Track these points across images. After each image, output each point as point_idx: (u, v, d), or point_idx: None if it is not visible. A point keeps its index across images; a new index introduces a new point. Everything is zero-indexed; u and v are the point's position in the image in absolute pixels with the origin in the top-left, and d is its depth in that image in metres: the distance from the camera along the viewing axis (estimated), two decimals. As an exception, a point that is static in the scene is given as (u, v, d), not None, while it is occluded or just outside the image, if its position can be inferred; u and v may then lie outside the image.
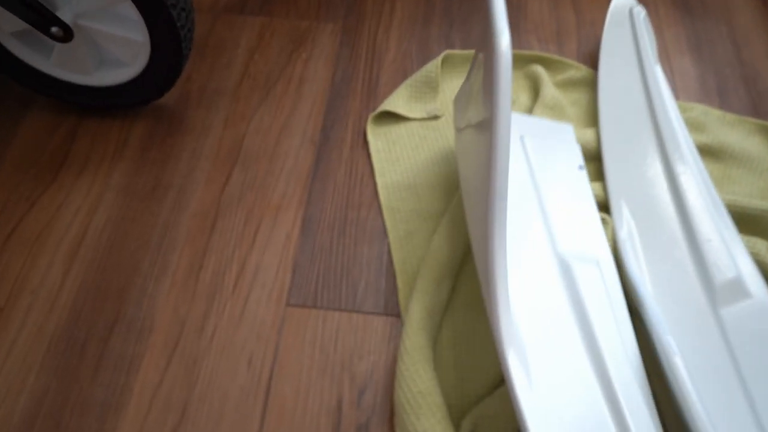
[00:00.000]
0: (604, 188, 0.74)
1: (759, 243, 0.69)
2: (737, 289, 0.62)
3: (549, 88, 0.84)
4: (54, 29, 0.68)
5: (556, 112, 0.83)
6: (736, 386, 0.58)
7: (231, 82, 0.86)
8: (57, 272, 0.68)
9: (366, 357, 0.64)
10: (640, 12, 0.86)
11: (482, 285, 0.56)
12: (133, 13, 0.68)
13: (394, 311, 0.67)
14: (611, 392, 0.52)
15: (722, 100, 0.87)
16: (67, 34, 0.69)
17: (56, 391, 0.61)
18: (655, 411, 0.54)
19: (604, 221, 0.70)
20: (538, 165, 0.71)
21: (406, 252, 0.71)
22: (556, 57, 0.89)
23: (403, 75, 0.88)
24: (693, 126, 0.81)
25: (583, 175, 0.72)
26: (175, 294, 0.67)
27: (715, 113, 0.84)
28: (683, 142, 0.75)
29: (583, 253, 0.64)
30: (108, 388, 0.61)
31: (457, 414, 0.60)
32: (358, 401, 0.61)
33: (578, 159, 0.74)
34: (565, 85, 0.87)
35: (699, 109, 0.84)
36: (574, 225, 0.67)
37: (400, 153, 0.79)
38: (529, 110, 0.82)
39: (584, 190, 0.71)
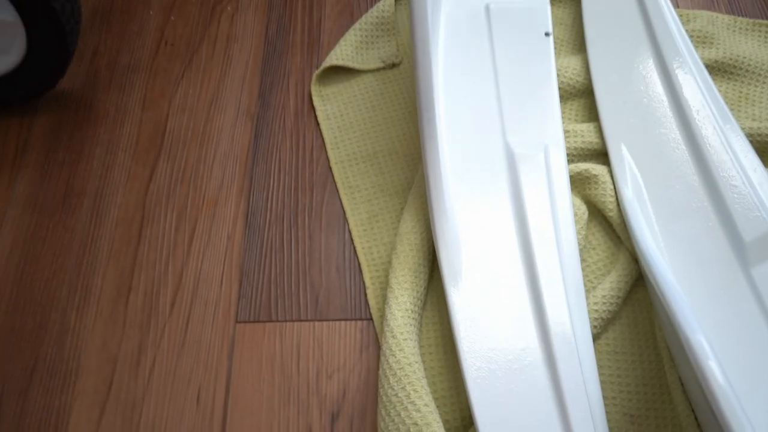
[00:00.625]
0: (600, 131, 0.62)
1: (789, 177, 0.57)
2: (771, 243, 0.51)
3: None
4: None
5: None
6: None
7: (145, 53, 0.72)
8: (-41, 316, 0.57)
9: (336, 374, 0.54)
10: None
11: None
12: (-10, -12, 0.54)
13: (364, 314, 0.56)
14: (536, 289, 0.51)
15: (732, 5, 0.72)
16: None
17: (-28, 463, 0.51)
18: (582, 305, 0.52)
19: (598, 177, 0.58)
20: (500, 36, 0.63)
21: (370, 239, 0.59)
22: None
23: (350, 18, 0.73)
24: (699, 39, 0.68)
25: (548, 43, 0.64)
26: (102, 326, 0.56)
27: (725, 20, 0.70)
28: (690, 61, 0.62)
29: (531, 140, 0.58)
30: (33, 452, 0.52)
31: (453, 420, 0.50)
32: (331, 428, 0.52)
33: (546, 24, 0.65)
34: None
35: (705, 17, 0.70)
36: (528, 107, 0.60)
37: (355, 117, 0.66)
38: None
39: (546, 61, 0.63)
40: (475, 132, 0.59)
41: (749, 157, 0.56)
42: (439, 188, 0.54)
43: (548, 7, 0.66)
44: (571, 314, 0.51)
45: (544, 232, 0.53)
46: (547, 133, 0.58)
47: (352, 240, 0.60)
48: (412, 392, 0.47)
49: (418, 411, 0.47)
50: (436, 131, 0.55)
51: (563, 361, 0.48)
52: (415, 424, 0.46)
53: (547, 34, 0.64)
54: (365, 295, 0.57)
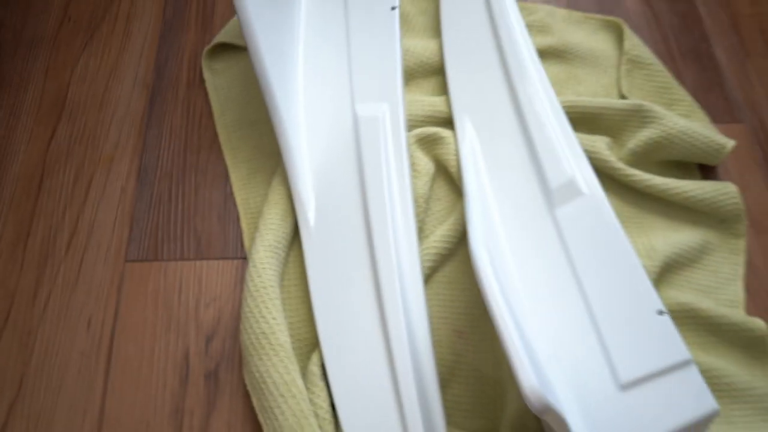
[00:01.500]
0: (448, 103, 0.73)
1: (597, 141, 0.70)
2: (571, 189, 0.63)
3: (404, 4, 0.81)
4: None
5: (405, 24, 0.80)
6: (573, 286, 0.59)
7: (49, 27, 0.79)
8: None
9: (212, 304, 0.62)
10: None
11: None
12: None
13: (240, 254, 0.65)
14: (372, 249, 0.61)
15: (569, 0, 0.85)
16: None
17: None
18: (413, 243, 0.62)
19: (444, 140, 0.69)
20: (354, 14, 0.75)
21: (249, 191, 0.68)
22: (402, -32, 0.85)
23: (241, 2, 0.82)
24: (538, 28, 0.80)
25: (394, 15, 0.75)
26: (2, 266, 0.63)
27: (561, 13, 0.83)
28: (523, 47, 0.73)
29: (373, 97, 0.69)
30: (-66, 373, 0.58)
31: (307, 348, 0.60)
32: (206, 349, 0.60)
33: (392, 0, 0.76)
34: (412, -4, 0.84)
35: (544, 11, 0.82)
36: (373, 70, 0.71)
37: (240, 89, 0.75)
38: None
39: (392, 33, 0.74)
40: (329, 99, 0.69)
41: (563, 126, 0.68)
42: (294, 150, 0.65)
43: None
44: (399, 254, 0.60)
45: (379, 184, 0.63)
46: (386, 101, 0.68)
47: (232, 194, 0.69)
48: (263, 309, 0.57)
49: (267, 323, 0.56)
50: (292, 102, 0.66)
51: (389, 297, 0.58)
52: (263, 333, 0.56)
53: (393, 8, 0.74)
54: (242, 238, 0.66)
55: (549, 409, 0.42)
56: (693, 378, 0.54)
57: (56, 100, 0.73)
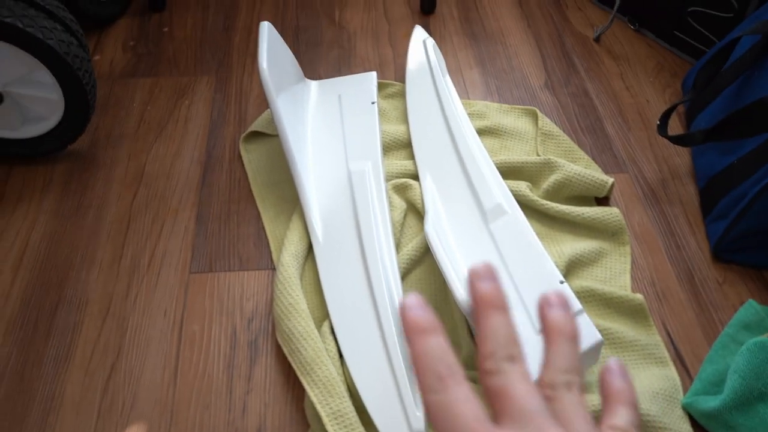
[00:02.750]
0: (414, 165, 1.03)
1: (521, 183, 0.99)
2: (499, 209, 0.91)
3: (381, 102, 1.14)
4: (-12, 96, 0.91)
5: (383, 116, 1.12)
6: (503, 272, 0.86)
7: (130, 128, 1.11)
8: (7, 277, 0.89)
9: (251, 298, 0.88)
10: (431, 41, 1.18)
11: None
12: (49, 78, 0.92)
13: (270, 266, 0.92)
14: (364, 256, 0.87)
15: (500, 97, 1.19)
16: (-2, 99, 0.92)
17: (17, 355, 0.81)
18: (393, 258, 0.88)
19: (412, 186, 0.99)
20: (346, 107, 1.08)
21: (275, 226, 0.97)
22: (380, 80, 1.19)
23: (265, 106, 1.15)
24: (477, 115, 1.12)
25: (374, 108, 1.07)
26: (103, 277, 0.90)
27: (494, 105, 1.16)
28: (465, 127, 1.05)
29: (362, 164, 0.99)
30: (58, 346, 0.82)
31: (319, 322, 0.85)
32: (248, 326, 0.85)
33: (373, 97, 1.09)
34: (388, 97, 1.17)
35: (482, 104, 1.15)
36: (360, 142, 1.02)
37: (266, 160, 1.06)
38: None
39: (372, 118, 1.06)
40: (331, 161, 1.00)
41: (494, 173, 0.97)
42: (308, 194, 0.94)
43: (375, 87, 1.09)
44: (383, 259, 0.86)
45: (367, 215, 0.89)
46: (370, 160, 0.98)
47: (263, 228, 0.96)
48: (290, 289, 0.83)
49: (293, 297, 0.82)
50: (306, 164, 0.97)
51: (377, 285, 0.83)
52: (290, 303, 0.81)
53: (372, 103, 1.07)
54: (271, 256, 0.93)
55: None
56: (585, 321, 0.79)
57: (136, 173, 1.03)
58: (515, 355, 0.29)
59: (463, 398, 0.27)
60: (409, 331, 0.29)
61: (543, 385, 0.31)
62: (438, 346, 0.29)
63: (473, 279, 0.31)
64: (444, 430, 0.27)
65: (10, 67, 0.92)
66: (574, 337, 0.32)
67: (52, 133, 0.99)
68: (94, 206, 0.98)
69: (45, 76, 0.92)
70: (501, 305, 0.30)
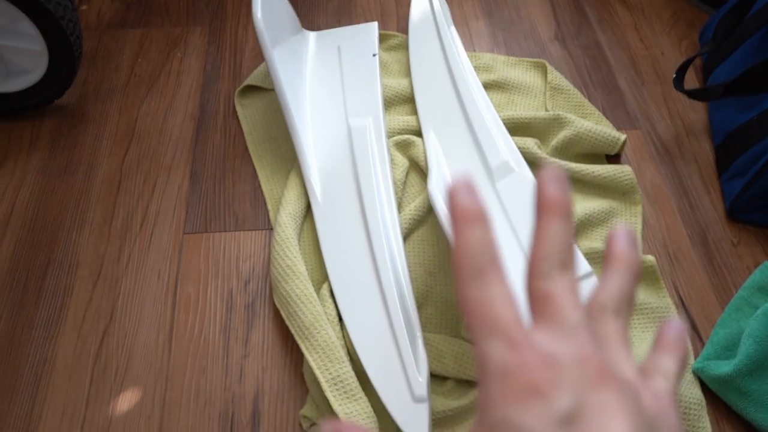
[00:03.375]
0: (418, 120, 0.99)
1: (528, 140, 0.95)
2: (505, 168, 0.87)
3: (382, 54, 1.09)
4: (-33, 46, 0.86)
5: (385, 69, 1.07)
6: (509, 231, 0.83)
7: (121, 81, 1.06)
8: (-5, 236, 0.86)
9: (248, 259, 0.85)
10: (435, -11, 1.12)
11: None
12: (31, 29, 0.87)
13: (267, 227, 0.88)
14: (364, 216, 0.84)
15: (508, 49, 1.13)
16: (-22, 50, 0.87)
17: (7, 318, 0.79)
18: (394, 213, 0.85)
19: (415, 143, 0.94)
20: (345, 60, 1.03)
21: (272, 184, 0.93)
22: (382, 31, 1.13)
23: (261, 59, 1.10)
24: (483, 69, 1.07)
25: (375, 60, 1.03)
26: (94, 239, 0.86)
27: (501, 58, 1.10)
28: (471, 80, 1.00)
29: (361, 114, 0.95)
30: (49, 309, 0.80)
31: (318, 284, 0.82)
32: (245, 288, 0.82)
33: (374, 49, 1.04)
34: (390, 49, 1.11)
35: (488, 56, 1.10)
36: (361, 96, 0.97)
37: (263, 116, 1.01)
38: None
39: (374, 71, 1.01)
40: (330, 117, 0.95)
41: (501, 130, 0.93)
42: (306, 151, 0.90)
43: (376, 39, 1.04)
44: (384, 219, 0.83)
45: (368, 173, 0.86)
46: (371, 116, 0.94)
47: (260, 186, 0.93)
48: (287, 250, 0.80)
49: (290, 259, 0.79)
50: (304, 120, 0.92)
51: (378, 246, 0.80)
52: (288, 265, 0.78)
53: (374, 55, 1.01)
54: (268, 216, 0.89)
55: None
56: (594, 283, 0.76)
57: (127, 129, 0.99)
58: (568, 264, 0.27)
59: (501, 297, 0.26)
60: (455, 217, 0.27)
61: (593, 304, 0.29)
62: (483, 237, 0.27)
63: (543, 184, 0.28)
64: (477, 328, 0.25)
65: (-11, 17, 0.87)
66: (636, 272, 0.30)
67: (38, 87, 0.95)
68: (83, 164, 0.94)
69: (27, 26, 0.87)
70: (567, 212, 0.28)
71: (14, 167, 0.94)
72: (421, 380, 0.68)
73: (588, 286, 0.75)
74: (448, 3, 1.16)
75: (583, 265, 0.76)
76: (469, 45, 1.14)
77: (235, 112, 1.02)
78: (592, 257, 0.84)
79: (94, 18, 1.16)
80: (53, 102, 0.99)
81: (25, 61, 0.92)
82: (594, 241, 0.87)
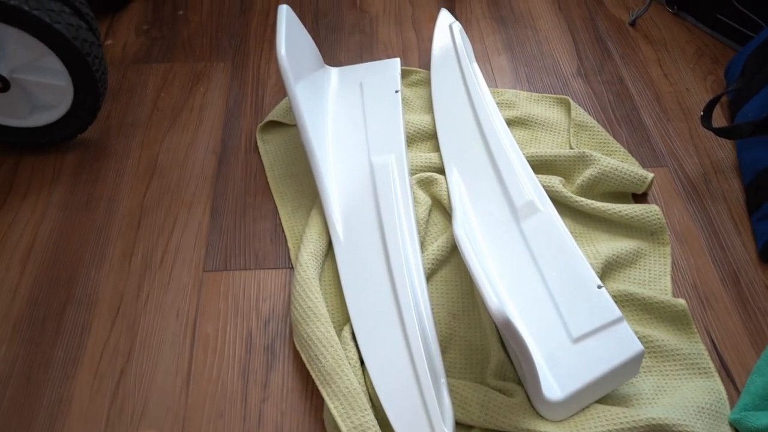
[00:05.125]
0: (440, 157, 0.97)
1: (553, 178, 0.93)
2: (531, 207, 0.85)
3: (405, 90, 1.09)
4: (-6, 83, 0.87)
5: (407, 105, 1.06)
6: (535, 274, 0.80)
7: (143, 116, 1.06)
8: (14, 272, 0.85)
9: (268, 299, 0.84)
10: (457, 25, 1.11)
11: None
12: (57, 64, 0.88)
13: (287, 265, 0.87)
14: (387, 255, 0.83)
15: (530, 85, 1.13)
16: (5, 86, 0.88)
17: (24, 356, 0.78)
18: (417, 254, 0.84)
19: (438, 181, 0.93)
20: (368, 96, 1.02)
21: (293, 222, 0.92)
22: (404, 67, 1.13)
23: (283, 95, 1.10)
24: (506, 105, 1.06)
25: (397, 96, 1.02)
26: (113, 275, 0.85)
27: (524, 94, 1.10)
28: (494, 117, 0.99)
29: (384, 151, 0.94)
30: (66, 348, 0.78)
31: (339, 327, 0.80)
32: (265, 329, 0.81)
33: (396, 85, 1.04)
34: (412, 85, 1.11)
35: (511, 92, 1.09)
36: (383, 133, 0.97)
37: (284, 151, 1.01)
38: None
39: (396, 107, 1.01)
40: (352, 154, 0.95)
41: (525, 167, 0.92)
42: (328, 188, 0.89)
43: (398, 75, 1.04)
44: (407, 259, 0.81)
45: (390, 211, 0.85)
46: (394, 153, 0.93)
47: (281, 224, 0.92)
48: (309, 291, 0.78)
49: (311, 300, 0.77)
50: (326, 156, 0.93)
51: (401, 287, 0.78)
52: (309, 307, 0.76)
53: (396, 92, 1.01)
54: (289, 254, 0.88)
55: (509, 322, 0.62)
56: (625, 330, 0.73)
57: (149, 165, 0.99)
58: None
59: None
60: None
61: None
62: None
63: None
64: None
65: (16, 53, 0.87)
66: None
67: (62, 121, 0.95)
68: (105, 199, 0.94)
69: (53, 62, 0.88)
70: None
71: (36, 201, 0.94)
72: (446, 431, 0.66)
73: (618, 333, 0.73)
74: (469, 38, 1.16)
75: (612, 310, 0.74)
76: (491, 81, 1.13)
77: (256, 147, 1.02)
78: (621, 301, 0.82)
79: (119, 52, 1.17)
80: (76, 136, 0.99)
81: (50, 96, 0.93)
82: (622, 283, 0.85)
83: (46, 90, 0.92)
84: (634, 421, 0.69)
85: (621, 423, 0.69)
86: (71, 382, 0.75)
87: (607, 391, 0.73)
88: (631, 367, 0.73)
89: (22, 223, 0.91)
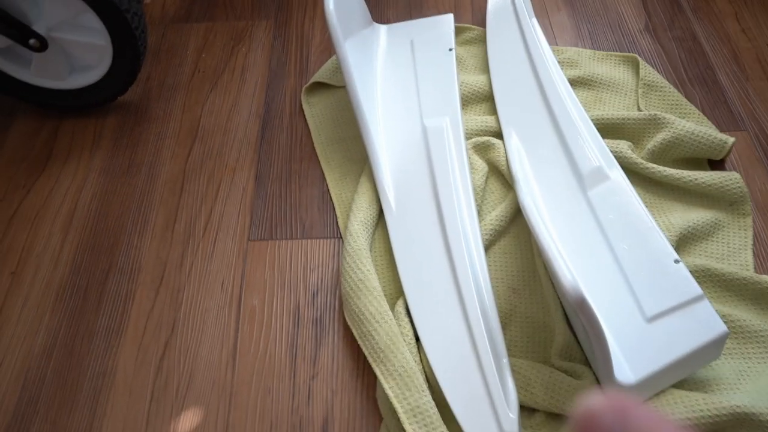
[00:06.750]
0: (497, 120, 0.91)
1: (621, 143, 0.86)
2: (599, 174, 0.79)
3: (458, 49, 1.01)
4: (32, 41, 0.83)
5: (461, 64, 0.99)
6: (605, 248, 0.74)
7: (184, 77, 1.02)
8: (56, 239, 0.83)
9: (316, 270, 0.79)
10: (515, -22, 1.03)
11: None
12: (95, 22, 0.83)
13: (335, 235, 0.83)
14: (443, 225, 0.78)
15: (593, 42, 1.04)
16: (42, 45, 0.84)
17: (67, 326, 0.75)
18: (475, 223, 0.78)
19: (495, 146, 0.87)
20: (419, 55, 0.96)
21: (341, 189, 0.87)
22: (457, 24, 1.06)
23: (328, 54, 1.04)
24: (568, 63, 0.98)
25: (451, 55, 0.95)
26: (156, 243, 0.82)
27: (587, 52, 1.01)
28: (556, 77, 0.91)
29: (437, 113, 0.88)
30: (109, 318, 0.76)
31: (392, 300, 0.75)
32: (313, 302, 0.76)
33: (450, 43, 0.97)
34: (465, 43, 1.04)
35: (573, 51, 1.01)
36: (437, 95, 0.90)
37: (331, 114, 0.95)
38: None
39: (450, 67, 0.94)
40: (403, 117, 0.88)
41: (591, 131, 0.84)
42: (378, 153, 0.83)
43: (452, 32, 0.97)
44: (464, 229, 0.76)
45: (446, 178, 0.80)
46: (448, 115, 0.87)
47: (328, 191, 0.87)
48: (360, 263, 0.73)
49: (363, 273, 0.72)
50: (376, 120, 0.86)
51: (459, 259, 0.74)
52: (360, 279, 0.72)
53: (450, 50, 0.94)
54: (337, 223, 0.83)
55: (584, 300, 0.57)
56: (706, 309, 0.67)
57: (191, 128, 0.95)
58: None
59: None
60: None
61: None
62: None
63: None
64: None
65: (53, 10, 0.83)
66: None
67: (102, 83, 0.91)
68: (146, 164, 0.91)
69: (91, 19, 0.84)
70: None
71: (77, 166, 0.91)
72: (512, 416, 0.61)
73: (698, 312, 0.67)
74: (526, -7, 1.08)
75: (692, 287, 0.68)
76: (551, 38, 1.05)
77: (301, 110, 0.96)
78: (698, 277, 0.75)
79: (159, 12, 1.12)
80: (116, 99, 0.95)
81: (88, 56, 0.89)
82: (699, 257, 0.78)
83: (84, 49, 0.88)
84: (716, 408, 0.63)
85: (701, 410, 0.63)
86: (115, 354, 0.73)
87: (685, 376, 0.67)
88: (712, 349, 0.66)
89: (63, 189, 0.88)
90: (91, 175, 0.89)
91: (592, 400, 0.21)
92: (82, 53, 0.89)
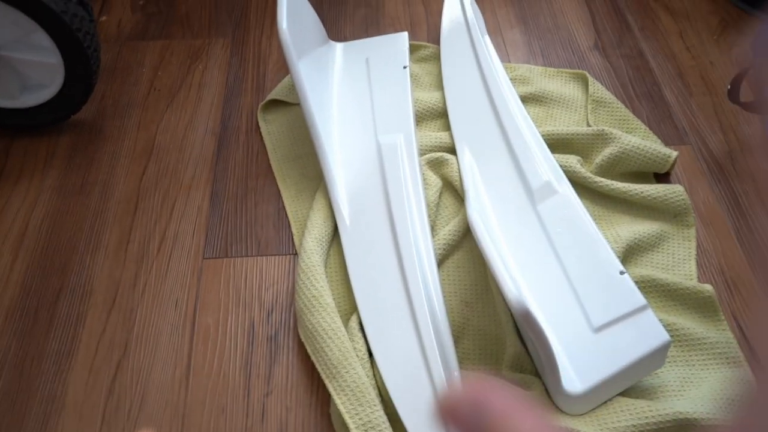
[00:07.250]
0: (451, 136, 0.92)
1: (571, 158, 0.88)
2: (548, 188, 0.81)
3: (413, 66, 1.03)
4: (-20, 61, 0.82)
5: (416, 82, 1.01)
6: (553, 260, 0.76)
7: (140, 95, 1.01)
8: (6, 260, 0.82)
9: (271, 287, 0.80)
10: (467, -3, 1.06)
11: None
12: (46, 41, 0.83)
13: (291, 251, 0.83)
14: (396, 240, 0.78)
15: (545, 59, 1.07)
16: (-9, 64, 0.83)
17: (16, 348, 0.74)
18: (428, 238, 0.79)
19: (449, 161, 0.88)
20: (374, 72, 0.97)
21: (297, 206, 0.87)
22: (412, 42, 1.07)
23: (285, 72, 1.05)
24: (520, 80, 1.01)
25: (406, 73, 0.97)
26: (109, 263, 0.82)
27: (538, 69, 1.04)
28: (508, 93, 0.93)
29: (391, 130, 0.89)
30: (60, 340, 0.75)
31: (346, 316, 0.76)
32: (268, 319, 0.77)
33: (404, 61, 0.98)
34: (420, 61, 1.06)
35: (525, 67, 1.04)
36: (391, 112, 0.92)
37: (287, 132, 0.96)
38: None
39: (404, 84, 0.96)
40: (358, 134, 0.90)
41: (541, 146, 0.87)
42: (333, 170, 0.84)
43: (407, 49, 0.99)
44: (417, 244, 0.77)
45: (399, 194, 0.81)
46: (402, 132, 0.88)
47: (284, 208, 0.87)
48: (313, 280, 0.74)
49: (316, 289, 0.73)
50: (330, 137, 0.87)
51: (411, 274, 0.74)
52: (314, 296, 0.72)
53: (404, 67, 0.96)
54: (292, 240, 0.84)
55: (528, 313, 0.58)
56: (650, 319, 0.69)
57: (146, 146, 0.94)
58: None
59: None
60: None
61: None
62: None
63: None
64: None
65: (3, 29, 0.83)
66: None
67: (54, 101, 0.90)
68: (99, 183, 0.90)
69: (42, 38, 0.83)
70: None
71: (28, 185, 0.90)
72: (461, 428, 0.62)
73: (643, 321, 0.69)
74: (480, 10, 1.10)
75: (636, 298, 0.70)
76: (504, 55, 1.08)
77: (258, 127, 0.97)
78: (644, 287, 0.77)
79: (114, 29, 1.12)
80: (70, 117, 0.95)
81: (40, 74, 0.88)
82: (644, 267, 0.80)
83: (36, 68, 0.87)
84: (660, 415, 0.65)
85: (646, 417, 0.65)
86: (65, 377, 0.72)
87: (631, 384, 0.69)
88: (656, 358, 0.68)
89: (14, 209, 0.87)
90: (42, 195, 0.88)
91: (450, 390, 0.22)
92: (33, 72, 0.88)
